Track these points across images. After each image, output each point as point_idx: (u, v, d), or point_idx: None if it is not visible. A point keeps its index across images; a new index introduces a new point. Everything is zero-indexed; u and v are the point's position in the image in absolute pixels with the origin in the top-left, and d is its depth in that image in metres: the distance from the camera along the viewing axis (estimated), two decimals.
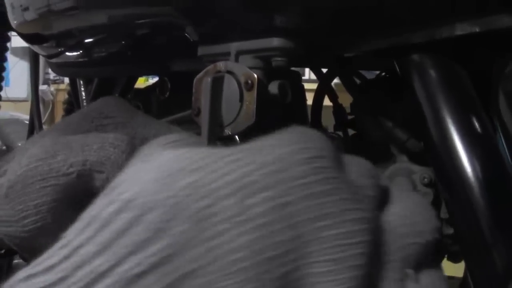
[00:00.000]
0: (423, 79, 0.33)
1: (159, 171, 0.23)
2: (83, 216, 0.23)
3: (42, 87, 2.23)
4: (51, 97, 2.28)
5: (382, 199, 0.27)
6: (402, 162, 0.44)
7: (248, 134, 0.35)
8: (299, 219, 0.23)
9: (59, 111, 2.87)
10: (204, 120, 0.36)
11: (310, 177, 0.23)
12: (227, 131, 0.36)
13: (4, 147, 1.04)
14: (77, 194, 0.36)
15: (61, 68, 0.66)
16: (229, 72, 0.36)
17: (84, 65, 0.57)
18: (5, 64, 0.82)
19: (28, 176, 0.35)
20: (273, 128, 0.33)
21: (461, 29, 0.30)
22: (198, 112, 0.38)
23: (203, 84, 0.36)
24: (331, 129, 0.53)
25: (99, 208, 0.23)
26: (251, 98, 0.35)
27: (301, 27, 0.34)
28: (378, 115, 0.44)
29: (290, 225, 0.22)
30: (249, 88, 0.35)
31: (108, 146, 0.37)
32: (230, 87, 0.36)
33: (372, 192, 0.26)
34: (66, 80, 2.78)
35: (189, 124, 0.48)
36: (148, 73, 0.57)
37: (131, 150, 0.37)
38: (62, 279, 0.21)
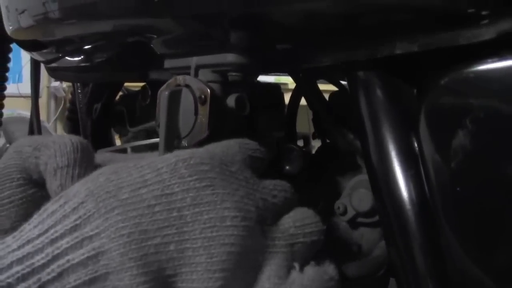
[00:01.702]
0: (367, 96, 0.33)
1: (99, 171, 0.32)
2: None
3: (54, 83, 2.26)
4: (64, 94, 2.31)
5: (284, 207, 0.33)
6: (365, 174, 0.44)
7: (203, 144, 0.37)
8: (180, 205, 0.30)
9: None
10: (161, 132, 0.37)
11: (191, 177, 0.30)
12: (184, 143, 0.38)
13: (8, 145, 1.07)
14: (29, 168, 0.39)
15: (55, 72, 0.68)
16: (187, 85, 0.38)
17: (74, 70, 0.60)
18: (8, 65, 0.85)
19: None
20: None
21: (400, 48, 0.30)
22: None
23: (161, 98, 0.38)
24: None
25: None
26: (204, 112, 0.36)
27: (252, 44, 0.35)
28: (341, 127, 0.44)
29: (172, 208, 0.30)
30: (203, 102, 0.36)
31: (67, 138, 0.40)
32: (187, 101, 0.37)
33: (273, 199, 0.33)
34: None
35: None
36: (130, 80, 0.58)
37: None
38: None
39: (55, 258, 0.28)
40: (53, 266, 0.28)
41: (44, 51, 0.62)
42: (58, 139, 0.40)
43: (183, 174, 0.31)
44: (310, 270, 0.31)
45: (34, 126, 0.82)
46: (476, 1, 0.26)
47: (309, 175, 0.47)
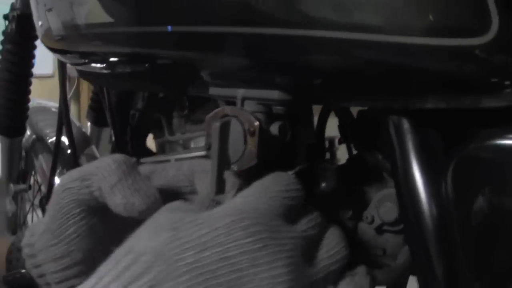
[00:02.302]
0: (399, 138, 0.38)
1: (152, 228, 0.35)
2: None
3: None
4: (76, 74, 2.32)
5: (319, 237, 0.38)
6: (391, 188, 0.49)
7: (252, 169, 0.41)
8: (239, 267, 0.33)
9: (85, 88, 2.94)
10: (213, 159, 0.42)
11: (246, 239, 0.33)
12: (234, 167, 0.42)
13: (34, 136, 1.10)
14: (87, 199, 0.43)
15: (84, 74, 0.72)
16: (235, 116, 0.42)
17: (108, 76, 0.63)
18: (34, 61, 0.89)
19: None
20: (273, 161, 0.40)
21: (431, 103, 0.35)
22: (210, 147, 0.44)
23: (212, 127, 0.42)
24: None
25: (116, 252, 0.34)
26: (253, 142, 0.41)
27: (298, 86, 0.40)
28: (370, 147, 0.49)
29: (233, 270, 0.32)
30: (252, 134, 0.41)
31: (106, 159, 0.44)
32: (235, 130, 0.42)
33: (310, 234, 0.37)
34: None
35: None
36: (166, 93, 0.62)
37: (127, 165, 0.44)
38: None
39: None
40: None
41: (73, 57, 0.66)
42: (100, 163, 0.44)
43: (239, 236, 0.33)
44: (344, 285, 0.37)
45: (63, 119, 0.86)
46: (498, 73, 0.30)
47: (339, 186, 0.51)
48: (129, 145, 0.63)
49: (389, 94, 0.37)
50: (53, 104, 1.25)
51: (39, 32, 0.71)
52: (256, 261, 0.33)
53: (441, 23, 0.31)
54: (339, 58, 0.35)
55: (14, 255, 0.49)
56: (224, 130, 0.41)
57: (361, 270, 0.42)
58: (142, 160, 0.58)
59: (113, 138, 0.78)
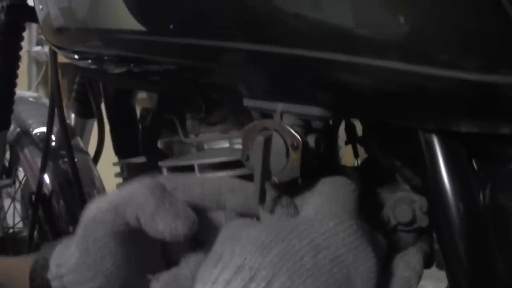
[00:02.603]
0: (429, 152, 0.42)
1: (256, 243, 0.36)
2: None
3: (36, 48, 2.19)
4: (45, 58, 2.25)
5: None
6: (405, 191, 0.53)
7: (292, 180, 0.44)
8: (347, 263, 0.37)
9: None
10: (256, 171, 0.44)
11: (350, 238, 0.37)
12: (274, 179, 0.45)
13: (18, 129, 1.07)
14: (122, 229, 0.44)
15: (84, 71, 0.72)
16: (276, 130, 0.44)
17: (116, 76, 0.64)
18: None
19: None
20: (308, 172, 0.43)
21: (464, 127, 0.39)
22: (247, 158, 0.46)
23: (255, 142, 0.44)
24: None
25: (216, 273, 0.35)
26: (296, 156, 0.43)
27: (338, 104, 0.43)
28: (388, 151, 0.53)
29: (343, 266, 0.36)
30: (295, 148, 0.43)
31: (136, 185, 0.44)
32: (277, 143, 0.44)
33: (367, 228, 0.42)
34: None
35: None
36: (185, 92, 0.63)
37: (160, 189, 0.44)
38: None
39: None
40: None
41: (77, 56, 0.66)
42: (131, 190, 0.43)
43: (344, 237, 0.37)
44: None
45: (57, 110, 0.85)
46: None
47: None
48: (141, 145, 0.64)
49: (424, 117, 0.41)
50: (30, 94, 1.22)
51: (40, 18, 0.70)
52: (357, 256, 0.37)
53: (482, 60, 0.35)
54: (383, 85, 0.39)
55: (38, 273, 0.49)
56: (268, 144, 0.44)
57: (412, 250, 0.48)
58: (160, 163, 0.59)
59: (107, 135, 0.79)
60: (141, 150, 0.64)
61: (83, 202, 0.80)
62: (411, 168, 0.51)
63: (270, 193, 0.46)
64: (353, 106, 0.43)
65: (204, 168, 0.55)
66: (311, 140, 0.45)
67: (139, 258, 0.46)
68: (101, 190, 1.02)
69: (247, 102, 0.48)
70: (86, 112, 1.01)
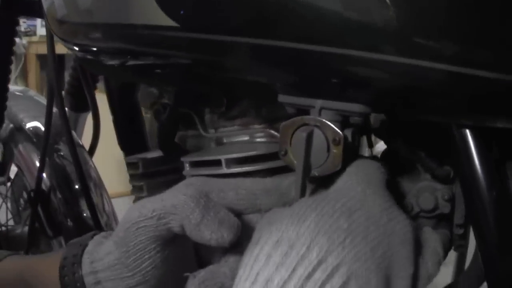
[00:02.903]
0: (464, 145, 0.44)
1: (291, 217, 0.37)
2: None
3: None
4: (23, 50, 2.19)
5: None
6: (427, 181, 0.56)
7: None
8: (381, 222, 0.39)
9: (32, 65, 2.76)
10: (298, 166, 0.46)
11: (380, 200, 0.41)
12: (314, 173, 0.47)
13: (11, 125, 1.05)
14: (164, 235, 0.45)
15: (91, 65, 0.71)
16: (317, 126, 0.46)
17: (128, 69, 0.64)
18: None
19: None
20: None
21: (500, 123, 0.41)
22: (286, 153, 0.48)
23: (297, 137, 0.46)
24: None
25: (256, 251, 0.36)
26: (338, 151, 0.45)
27: (377, 101, 0.45)
28: (412, 143, 0.55)
29: (378, 226, 0.38)
30: (337, 143, 0.45)
31: (179, 195, 0.46)
32: (317, 139, 0.46)
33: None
34: (39, 32, 2.64)
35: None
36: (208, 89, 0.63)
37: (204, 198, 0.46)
38: None
39: None
40: None
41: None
42: (175, 200, 0.44)
43: (375, 199, 0.40)
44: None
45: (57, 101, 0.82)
46: None
47: None
48: (158, 141, 0.65)
49: (462, 114, 0.43)
50: (16, 88, 1.19)
51: (44, 6, 0.69)
52: (390, 215, 0.39)
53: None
54: (423, 85, 0.41)
55: (69, 270, 0.49)
56: (309, 139, 0.46)
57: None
58: (182, 158, 0.60)
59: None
60: (158, 145, 0.65)
61: (88, 195, 0.79)
62: (435, 159, 0.54)
63: (310, 187, 0.48)
64: (392, 104, 0.45)
65: (230, 162, 0.56)
66: (348, 134, 0.47)
67: (175, 258, 0.48)
68: (98, 181, 1.01)
69: (283, 98, 0.49)
70: (79, 105, 1.00)
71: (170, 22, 0.49)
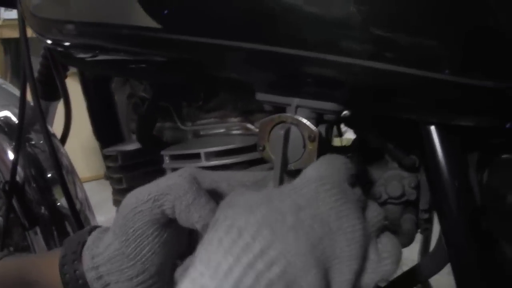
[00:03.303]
0: (429, 139, 0.48)
1: (244, 206, 0.40)
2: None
3: None
4: None
5: (363, 202, 0.46)
6: (394, 169, 0.60)
7: None
8: (328, 219, 0.40)
9: None
10: (276, 163, 0.49)
11: (331, 198, 0.41)
12: (291, 167, 0.49)
13: None
14: (159, 219, 0.47)
15: (68, 59, 0.71)
16: (294, 123, 0.49)
17: (107, 63, 0.65)
18: None
19: None
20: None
21: (463, 121, 0.45)
22: (264, 148, 0.50)
23: (275, 135, 0.48)
24: None
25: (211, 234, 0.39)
26: (313, 147, 0.48)
27: (350, 100, 0.48)
28: (381, 135, 0.59)
29: (324, 223, 0.40)
30: (312, 139, 0.48)
31: (175, 177, 0.47)
32: (294, 135, 0.49)
33: (361, 197, 0.45)
34: (3, 15, 2.53)
35: None
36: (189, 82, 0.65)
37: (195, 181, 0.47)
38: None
39: (258, 279, 0.35)
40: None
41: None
42: (170, 181, 0.46)
43: (325, 197, 0.41)
44: (385, 238, 0.46)
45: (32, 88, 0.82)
46: None
47: None
48: (137, 133, 0.66)
49: (428, 113, 0.47)
50: None
51: None
52: (340, 214, 0.41)
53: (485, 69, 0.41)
54: (393, 86, 0.44)
55: (69, 267, 0.50)
56: (287, 136, 0.48)
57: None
58: (163, 152, 0.62)
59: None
60: (136, 138, 0.66)
61: (63, 183, 0.80)
62: (402, 149, 0.57)
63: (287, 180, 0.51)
64: (364, 102, 0.48)
65: (209, 155, 0.59)
66: (322, 130, 0.50)
67: (171, 245, 0.49)
68: (70, 169, 1.02)
69: (261, 96, 0.52)
70: (50, 94, 1.00)
71: (153, 23, 0.51)
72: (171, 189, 0.46)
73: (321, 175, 0.43)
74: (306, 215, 0.40)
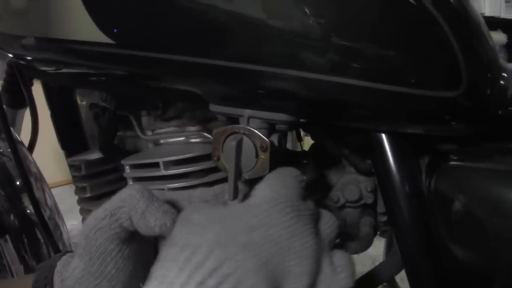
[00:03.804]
0: (379, 147, 0.49)
1: (199, 225, 0.42)
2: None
3: None
4: None
5: (316, 214, 0.48)
6: (351, 174, 0.61)
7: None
8: (280, 239, 0.42)
9: None
10: (230, 171, 0.49)
11: (283, 218, 0.43)
12: (245, 176, 0.50)
13: None
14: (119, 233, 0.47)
15: (30, 70, 0.71)
16: (246, 134, 0.50)
17: (69, 75, 0.65)
18: None
19: None
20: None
21: (412, 129, 0.46)
22: (218, 158, 0.51)
23: (228, 146, 0.49)
24: None
25: (165, 250, 0.41)
26: (265, 156, 0.49)
27: (301, 112, 0.49)
28: (336, 140, 0.60)
29: (276, 242, 0.42)
30: (264, 149, 0.49)
31: (126, 191, 0.47)
32: (246, 146, 0.49)
33: (314, 211, 0.47)
34: None
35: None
36: (146, 96, 0.65)
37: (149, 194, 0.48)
38: None
39: None
40: None
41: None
42: (122, 196, 0.47)
43: (277, 217, 0.43)
44: (337, 254, 0.47)
45: None
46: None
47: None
48: (99, 143, 0.67)
49: (376, 122, 0.48)
50: None
51: None
52: (292, 233, 0.43)
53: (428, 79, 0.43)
54: (340, 97, 0.45)
55: None
56: (239, 147, 0.49)
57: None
58: (123, 161, 0.63)
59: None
60: (99, 147, 0.67)
61: (30, 191, 0.80)
62: (358, 154, 0.59)
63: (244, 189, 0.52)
64: (314, 112, 0.49)
65: (168, 164, 0.59)
66: (274, 139, 0.51)
67: (136, 261, 0.50)
68: (39, 176, 1.02)
69: (214, 108, 0.52)
70: (17, 102, 0.99)
71: (106, 39, 0.51)
72: (124, 202, 0.46)
73: (272, 195, 0.45)
74: (257, 236, 0.41)
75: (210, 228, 0.41)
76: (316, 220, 0.48)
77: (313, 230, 0.45)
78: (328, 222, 0.49)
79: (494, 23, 2.44)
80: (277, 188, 0.46)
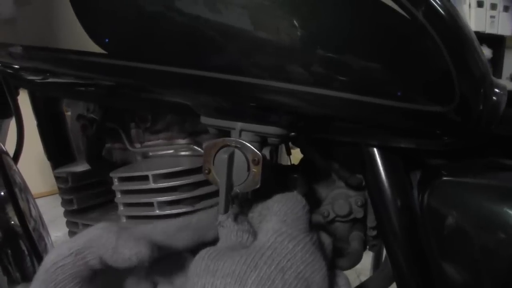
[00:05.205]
0: (371, 161, 0.49)
1: (234, 275, 0.42)
2: None
3: None
4: None
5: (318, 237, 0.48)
6: (341, 188, 0.61)
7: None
8: (305, 275, 0.44)
9: None
10: (221, 184, 0.49)
11: (305, 255, 0.44)
12: (237, 190, 0.50)
13: None
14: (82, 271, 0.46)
15: (17, 80, 0.71)
16: (238, 147, 0.49)
17: (59, 85, 0.64)
18: None
19: None
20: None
21: (404, 143, 0.46)
22: (209, 172, 0.51)
23: (220, 159, 0.49)
24: None
25: None
26: (257, 170, 0.48)
27: (293, 125, 0.48)
28: (325, 154, 0.59)
29: (303, 280, 0.43)
30: (256, 163, 0.48)
31: (94, 230, 0.47)
32: (238, 159, 0.49)
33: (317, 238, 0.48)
34: None
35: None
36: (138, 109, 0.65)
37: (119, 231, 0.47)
38: None
39: None
40: None
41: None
42: (88, 236, 0.46)
43: (302, 256, 0.45)
44: (339, 273, 0.49)
45: None
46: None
47: None
48: (86, 155, 0.66)
49: (368, 136, 0.48)
50: None
51: None
52: (313, 268, 0.44)
53: (421, 94, 0.43)
54: (334, 112, 0.45)
55: None
56: (231, 160, 0.49)
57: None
58: (111, 174, 0.62)
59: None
60: (86, 159, 0.66)
61: (15, 202, 0.79)
62: (347, 168, 0.58)
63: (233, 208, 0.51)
64: (306, 126, 0.49)
65: (157, 177, 0.59)
66: (266, 153, 0.51)
67: None
68: (23, 186, 1.00)
69: (205, 120, 0.52)
70: (2, 111, 0.98)
71: (97, 49, 0.51)
72: (92, 242, 0.45)
73: (292, 232, 0.46)
74: (291, 277, 0.43)
75: (246, 278, 0.42)
76: (320, 244, 0.48)
77: (324, 257, 0.46)
78: (325, 243, 0.49)
79: (479, 38, 2.47)
80: (291, 221, 0.47)
